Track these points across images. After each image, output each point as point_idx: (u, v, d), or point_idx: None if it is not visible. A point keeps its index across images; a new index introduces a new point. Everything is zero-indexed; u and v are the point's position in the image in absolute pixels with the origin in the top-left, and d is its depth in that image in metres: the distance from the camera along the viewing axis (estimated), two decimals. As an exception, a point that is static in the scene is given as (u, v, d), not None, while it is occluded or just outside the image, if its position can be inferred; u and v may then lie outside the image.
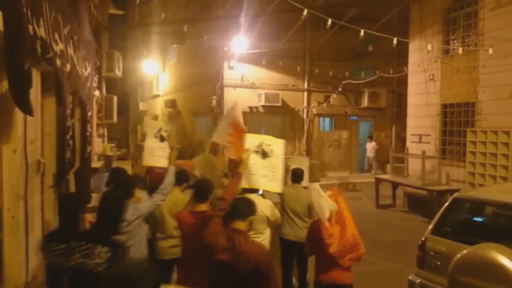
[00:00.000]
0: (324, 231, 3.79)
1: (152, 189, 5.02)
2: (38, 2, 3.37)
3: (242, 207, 3.06)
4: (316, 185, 3.92)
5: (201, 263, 3.18)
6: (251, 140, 4.10)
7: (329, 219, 3.81)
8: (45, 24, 3.65)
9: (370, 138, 17.70)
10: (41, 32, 3.49)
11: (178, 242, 4.21)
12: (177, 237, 4.28)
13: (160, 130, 5.24)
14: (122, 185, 4.28)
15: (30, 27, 3.07)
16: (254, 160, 3.93)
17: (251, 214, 3.09)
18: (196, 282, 3.21)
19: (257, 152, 4.01)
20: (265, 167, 4.03)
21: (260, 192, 4.22)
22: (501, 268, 3.42)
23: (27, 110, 3.26)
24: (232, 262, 2.83)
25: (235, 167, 3.93)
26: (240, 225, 3.00)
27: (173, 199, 4.45)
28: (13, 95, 2.97)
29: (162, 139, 5.17)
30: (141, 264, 2.18)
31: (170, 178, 4.27)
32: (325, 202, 3.78)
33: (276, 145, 4.16)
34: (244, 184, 3.97)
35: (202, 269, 3.15)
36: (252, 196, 3.86)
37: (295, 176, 5.10)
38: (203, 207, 3.71)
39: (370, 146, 17.51)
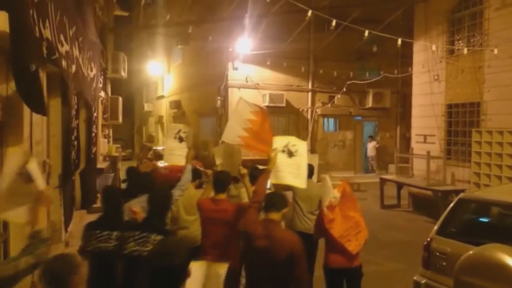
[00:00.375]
0: (324, 217, 4.20)
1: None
2: (43, 4, 3.39)
3: (277, 201, 3.39)
4: (326, 176, 4.46)
5: (220, 242, 3.83)
6: (278, 141, 4.54)
7: (330, 207, 4.21)
8: (50, 25, 3.67)
9: (371, 137, 17.63)
10: (47, 33, 3.52)
11: (186, 233, 4.77)
12: (187, 228, 4.81)
13: (179, 131, 5.50)
14: (136, 182, 4.86)
15: (36, 29, 3.09)
16: (281, 159, 4.34)
17: (285, 207, 3.40)
18: (217, 258, 3.76)
19: (283, 151, 4.41)
20: (291, 165, 4.41)
21: (268, 186, 4.48)
22: (507, 269, 3.41)
23: (40, 110, 3.28)
24: (269, 249, 3.10)
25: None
26: (275, 216, 3.32)
27: (188, 194, 4.71)
28: (22, 96, 2.99)
29: (180, 139, 5.42)
30: (176, 240, 2.56)
31: (187, 175, 4.60)
32: (327, 192, 4.24)
33: (301, 145, 4.55)
34: (272, 180, 4.34)
35: (221, 247, 3.84)
36: None
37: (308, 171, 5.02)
38: (222, 196, 4.16)
39: (371, 146, 17.46)
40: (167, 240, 2.43)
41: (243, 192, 4.74)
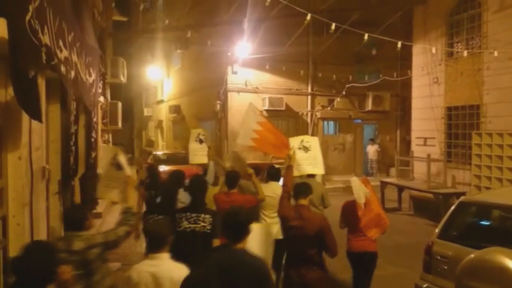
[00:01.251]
0: (359, 211, 4.92)
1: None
2: (42, 10, 3.39)
3: (304, 189, 4.22)
4: (355, 178, 5.09)
5: None
6: (293, 141, 5.44)
7: (366, 202, 4.93)
8: (49, 31, 3.67)
9: (372, 141, 17.59)
10: (46, 39, 3.51)
11: None
12: None
13: (199, 135, 6.54)
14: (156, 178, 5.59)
15: (35, 35, 3.08)
16: (299, 155, 5.18)
17: (310, 193, 4.26)
18: None
19: (300, 148, 5.30)
20: (308, 158, 5.34)
21: (281, 182, 5.22)
22: (509, 272, 3.39)
23: (37, 116, 3.27)
24: (302, 227, 3.96)
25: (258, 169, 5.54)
26: (303, 201, 4.17)
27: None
28: (20, 102, 2.98)
29: (201, 141, 6.44)
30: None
31: (211, 170, 5.53)
32: (361, 190, 4.90)
33: (313, 141, 5.53)
34: (295, 173, 4.97)
35: None
36: (272, 184, 5.50)
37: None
38: (233, 190, 5.04)
39: (373, 149, 17.40)
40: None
41: (250, 185, 5.52)
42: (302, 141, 5.47)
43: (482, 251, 3.68)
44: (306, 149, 5.41)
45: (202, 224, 3.95)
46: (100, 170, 4.66)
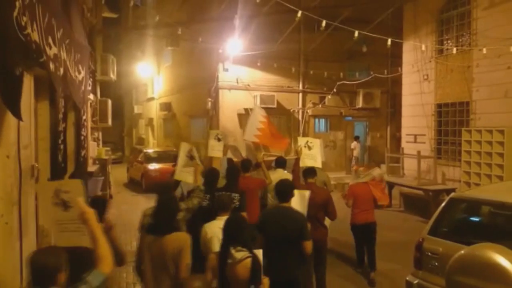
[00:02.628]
0: (372, 187, 6.89)
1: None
2: (31, 6, 3.34)
3: (311, 171, 6.04)
4: (355, 167, 7.27)
5: (247, 203, 5.46)
6: (301, 140, 7.23)
7: (375, 180, 7.00)
8: (38, 28, 3.62)
9: (357, 138, 17.52)
10: (35, 36, 3.46)
11: None
12: None
13: (217, 134, 7.79)
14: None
15: (23, 32, 3.03)
16: (304, 151, 6.84)
17: (315, 175, 6.05)
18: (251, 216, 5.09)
19: (305, 147, 6.94)
20: (310, 154, 6.94)
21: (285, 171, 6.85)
22: (499, 268, 3.42)
23: (16, 113, 3.22)
24: (313, 197, 5.16)
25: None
26: (311, 180, 5.93)
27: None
28: (4, 100, 2.94)
29: (219, 140, 7.57)
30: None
31: (224, 163, 7.14)
32: (368, 174, 7.03)
33: (315, 142, 7.16)
34: (301, 164, 6.52)
35: (253, 207, 5.69)
36: (279, 171, 6.74)
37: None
38: (248, 174, 6.29)
39: (358, 147, 17.32)
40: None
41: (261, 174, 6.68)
42: (307, 141, 7.10)
43: (472, 247, 3.70)
44: (309, 148, 6.99)
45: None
46: (179, 160, 6.05)
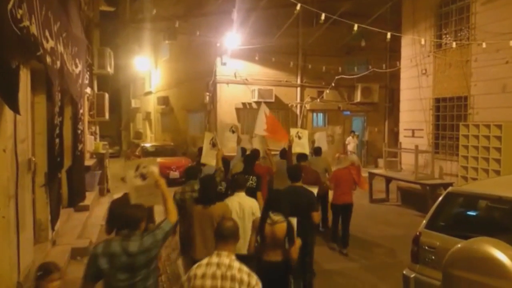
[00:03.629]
0: (354, 174, 7.64)
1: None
2: (29, 0, 3.31)
3: (303, 156, 7.56)
4: (339, 154, 9.29)
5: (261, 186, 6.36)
6: (292, 131, 8.38)
7: (353, 165, 7.84)
8: (36, 21, 3.59)
9: (353, 133, 17.46)
10: (33, 29, 3.43)
11: None
12: None
13: (232, 127, 8.74)
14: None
15: (17, 24, 3.01)
16: (295, 140, 8.09)
17: (306, 159, 7.61)
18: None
19: (295, 136, 8.16)
20: (301, 143, 8.22)
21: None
22: (495, 262, 3.43)
23: (15, 107, 3.21)
24: (304, 177, 5.75)
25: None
26: (304, 163, 7.22)
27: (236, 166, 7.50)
28: (1, 93, 2.92)
29: (233, 132, 8.57)
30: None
31: (238, 152, 8.44)
32: (346, 160, 8.26)
33: (304, 133, 8.50)
34: (293, 151, 7.74)
35: (263, 189, 6.36)
36: (284, 161, 7.57)
37: (316, 151, 8.89)
38: (258, 162, 7.18)
39: (353, 142, 17.26)
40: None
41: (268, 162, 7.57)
42: (298, 132, 8.46)
43: (469, 241, 3.71)
44: (299, 137, 8.29)
45: (251, 182, 5.97)
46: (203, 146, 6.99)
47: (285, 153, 8.05)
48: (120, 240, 3.17)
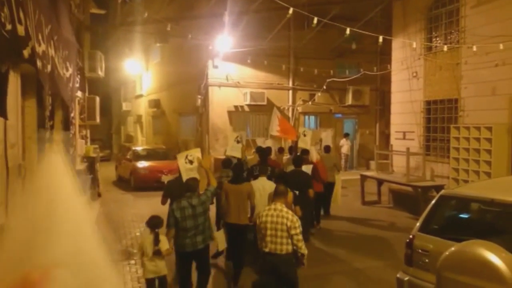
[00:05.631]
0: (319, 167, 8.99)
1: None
2: (24, 3, 3.27)
3: (305, 151, 9.28)
4: (313, 148, 9.75)
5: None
6: (300, 130, 10.26)
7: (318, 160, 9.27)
8: (31, 24, 3.55)
9: (347, 135, 17.53)
10: (29, 31, 3.39)
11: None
12: None
13: (237, 136, 9.50)
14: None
15: (3, 27, 2.96)
16: (301, 138, 10.16)
17: (308, 153, 9.20)
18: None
19: (302, 134, 10.23)
20: (304, 140, 10.09)
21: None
22: (489, 265, 3.45)
23: (2, 112, 3.16)
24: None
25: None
26: (306, 156, 8.91)
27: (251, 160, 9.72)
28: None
29: (238, 142, 9.38)
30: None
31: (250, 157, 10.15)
32: (314, 155, 9.37)
33: (308, 132, 10.35)
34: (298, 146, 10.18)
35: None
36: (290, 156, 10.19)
37: (326, 148, 10.68)
38: (269, 157, 9.07)
39: (346, 144, 17.34)
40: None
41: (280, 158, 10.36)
42: (304, 131, 10.43)
43: (462, 244, 3.73)
44: (304, 135, 10.21)
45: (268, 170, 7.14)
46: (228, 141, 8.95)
47: (291, 148, 11.03)
48: (186, 198, 5.15)
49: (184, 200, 5.10)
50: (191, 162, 6.07)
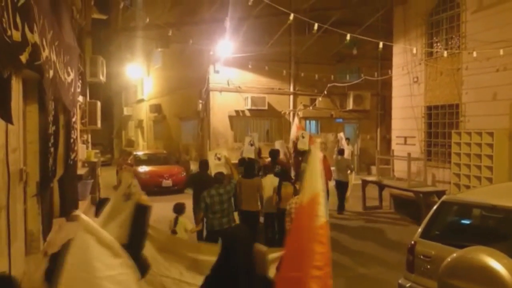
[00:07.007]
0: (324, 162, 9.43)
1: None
2: (30, 9, 3.28)
3: (303, 152, 10.50)
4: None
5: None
6: (298, 132, 11.58)
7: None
8: (38, 30, 3.55)
9: (348, 140, 17.45)
10: (36, 38, 3.39)
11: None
12: None
13: (250, 140, 10.61)
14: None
15: (4, 33, 2.97)
16: (300, 139, 11.09)
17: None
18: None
19: (301, 136, 11.19)
20: (303, 141, 10.89)
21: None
22: (491, 271, 3.43)
23: (7, 118, 3.16)
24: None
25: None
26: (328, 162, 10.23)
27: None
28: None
29: (252, 145, 10.46)
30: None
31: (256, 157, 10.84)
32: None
33: (306, 134, 11.34)
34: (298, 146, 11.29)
35: None
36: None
37: (340, 151, 11.82)
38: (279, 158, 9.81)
39: (348, 149, 17.21)
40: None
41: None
42: (302, 133, 11.39)
43: (464, 250, 3.71)
44: (303, 137, 11.09)
45: (277, 169, 8.22)
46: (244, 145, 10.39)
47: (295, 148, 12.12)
48: (215, 188, 6.28)
49: (213, 190, 6.29)
50: (219, 159, 7.85)
